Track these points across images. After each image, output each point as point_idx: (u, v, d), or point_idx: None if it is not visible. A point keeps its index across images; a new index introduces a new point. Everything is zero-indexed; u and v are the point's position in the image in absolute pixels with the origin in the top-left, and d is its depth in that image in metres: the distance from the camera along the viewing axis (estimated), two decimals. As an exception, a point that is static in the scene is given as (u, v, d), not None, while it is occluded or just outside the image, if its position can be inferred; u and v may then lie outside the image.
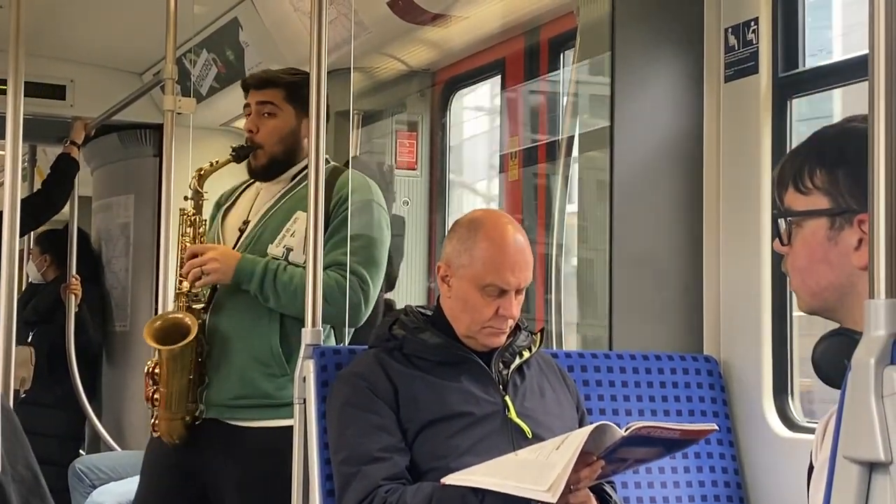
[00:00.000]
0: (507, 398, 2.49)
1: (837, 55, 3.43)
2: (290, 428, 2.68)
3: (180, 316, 3.04)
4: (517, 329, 2.56)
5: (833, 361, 1.56)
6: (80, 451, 6.00)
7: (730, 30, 3.16)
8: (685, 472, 2.95)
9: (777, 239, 1.74)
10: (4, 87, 3.89)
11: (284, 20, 4.70)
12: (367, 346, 2.62)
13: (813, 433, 1.73)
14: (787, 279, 1.76)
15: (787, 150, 2.82)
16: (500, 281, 2.45)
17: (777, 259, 2.81)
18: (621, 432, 2.13)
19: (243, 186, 3.27)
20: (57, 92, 5.79)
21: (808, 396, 3.14)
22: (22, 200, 4.06)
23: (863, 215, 1.60)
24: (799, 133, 3.02)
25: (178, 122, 4.41)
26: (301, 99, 3.10)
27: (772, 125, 3.06)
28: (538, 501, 2.10)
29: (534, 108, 4.73)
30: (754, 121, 3.07)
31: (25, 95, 3.91)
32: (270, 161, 3.13)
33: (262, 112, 3.13)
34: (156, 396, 3.03)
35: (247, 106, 3.18)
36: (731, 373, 3.11)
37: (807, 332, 3.01)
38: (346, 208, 3.00)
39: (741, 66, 3.12)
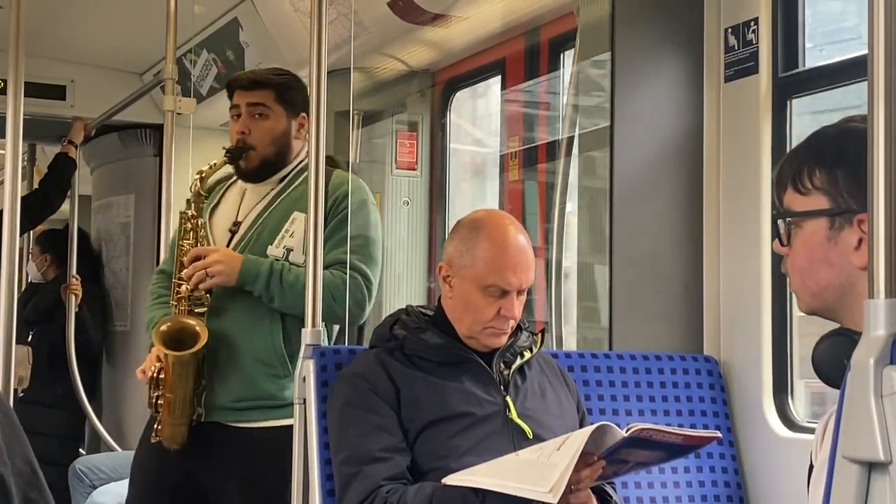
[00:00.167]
0: (508, 398, 2.49)
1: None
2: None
3: (186, 319, 3.01)
4: (518, 329, 2.56)
5: (833, 361, 1.56)
6: (80, 451, 6.00)
7: (730, 30, 3.16)
8: (685, 471, 2.95)
9: (777, 239, 1.74)
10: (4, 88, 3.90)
11: (284, 20, 4.70)
12: (367, 347, 2.62)
13: (813, 433, 1.73)
14: (787, 279, 1.77)
15: (787, 151, 2.82)
16: (501, 282, 2.45)
17: (777, 259, 2.81)
18: (622, 433, 2.13)
19: (225, 185, 3.23)
20: (57, 92, 5.78)
21: (819, 398, 3.14)
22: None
23: (862, 215, 1.60)
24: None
25: (178, 123, 4.41)
26: (290, 100, 3.10)
27: (772, 125, 3.06)
28: (539, 502, 2.10)
29: (534, 109, 4.73)
30: (754, 121, 3.07)
31: (25, 95, 3.92)
32: (263, 163, 3.11)
33: (254, 113, 3.11)
34: (159, 402, 2.99)
35: (234, 107, 3.14)
36: (731, 373, 3.11)
37: (806, 332, 3.01)
38: (344, 208, 3.00)
39: (741, 66, 3.12)
